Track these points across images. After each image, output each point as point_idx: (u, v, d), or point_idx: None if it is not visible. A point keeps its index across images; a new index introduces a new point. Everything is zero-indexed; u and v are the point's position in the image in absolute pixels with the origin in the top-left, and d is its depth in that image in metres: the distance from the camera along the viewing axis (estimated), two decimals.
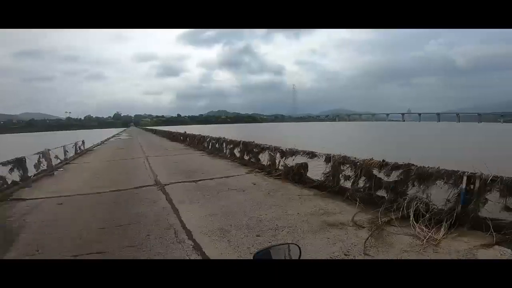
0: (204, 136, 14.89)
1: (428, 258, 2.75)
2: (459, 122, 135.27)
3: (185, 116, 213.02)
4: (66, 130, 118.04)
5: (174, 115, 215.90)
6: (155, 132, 43.27)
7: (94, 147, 19.21)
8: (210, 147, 13.14)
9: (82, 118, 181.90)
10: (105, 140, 26.47)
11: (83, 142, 16.14)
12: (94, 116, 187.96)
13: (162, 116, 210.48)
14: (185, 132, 20.81)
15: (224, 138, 11.99)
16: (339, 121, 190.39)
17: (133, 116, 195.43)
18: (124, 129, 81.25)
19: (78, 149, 14.51)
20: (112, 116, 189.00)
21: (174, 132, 26.17)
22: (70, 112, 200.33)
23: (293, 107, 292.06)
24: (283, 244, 1.06)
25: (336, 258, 2.80)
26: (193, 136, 17.27)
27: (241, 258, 2.64)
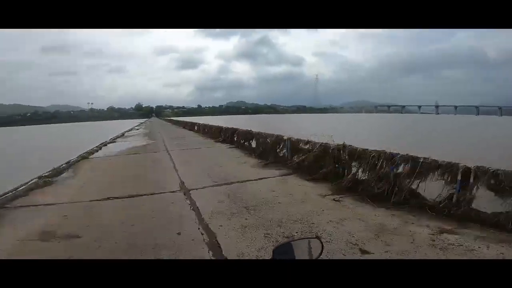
0: None
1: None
2: (501, 116, 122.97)
3: (205, 107, 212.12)
4: (88, 121, 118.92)
5: (193, 106, 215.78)
6: (189, 126, 25.43)
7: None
8: None
9: (105, 109, 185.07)
10: (90, 153, 10.48)
11: None
12: (116, 107, 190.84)
13: (183, 107, 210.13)
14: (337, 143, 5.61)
15: None
16: (365, 112, 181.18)
17: (154, 107, 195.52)
18: (145, 121, 72.27)
19: None
20: (133, 107, 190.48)
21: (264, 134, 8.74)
22: (92, 103, 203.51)
23: (315, 98, 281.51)
24: (303, 238, 1.05)
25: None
26: None
27: (259, 258, 2.26)
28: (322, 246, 0.98)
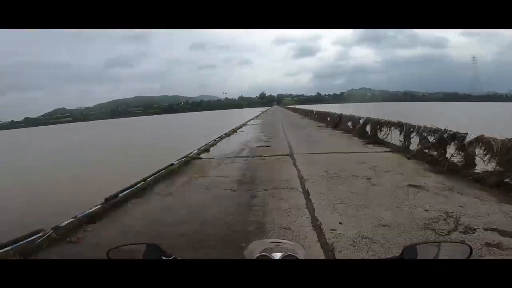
0: None
1: None
2: None
3: (325, 95, 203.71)
4: (224, 109, 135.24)
5: (312, 94, 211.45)
6: (353, 129, 11.05)
7: None
8: None
9: (236, 98, 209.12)
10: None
11: None
12: (245, 97, 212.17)
13: (302, 95, 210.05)
14: None
15: None
16: None
17: (275, 95, 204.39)
18: (266, 109, 69.56)
19: None
20: (258, 96, 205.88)
21: None
22: (226, 93, 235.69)
23: (472, 83, 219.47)
24: (446, 241, 0.84)
25: None
26: None
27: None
28: (471, 253, 0.79)
